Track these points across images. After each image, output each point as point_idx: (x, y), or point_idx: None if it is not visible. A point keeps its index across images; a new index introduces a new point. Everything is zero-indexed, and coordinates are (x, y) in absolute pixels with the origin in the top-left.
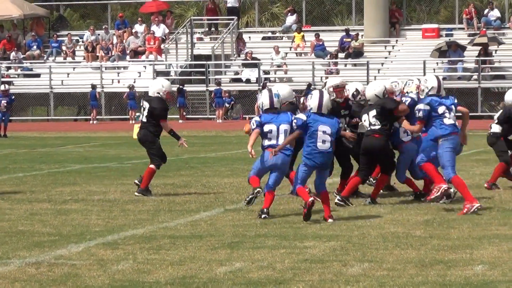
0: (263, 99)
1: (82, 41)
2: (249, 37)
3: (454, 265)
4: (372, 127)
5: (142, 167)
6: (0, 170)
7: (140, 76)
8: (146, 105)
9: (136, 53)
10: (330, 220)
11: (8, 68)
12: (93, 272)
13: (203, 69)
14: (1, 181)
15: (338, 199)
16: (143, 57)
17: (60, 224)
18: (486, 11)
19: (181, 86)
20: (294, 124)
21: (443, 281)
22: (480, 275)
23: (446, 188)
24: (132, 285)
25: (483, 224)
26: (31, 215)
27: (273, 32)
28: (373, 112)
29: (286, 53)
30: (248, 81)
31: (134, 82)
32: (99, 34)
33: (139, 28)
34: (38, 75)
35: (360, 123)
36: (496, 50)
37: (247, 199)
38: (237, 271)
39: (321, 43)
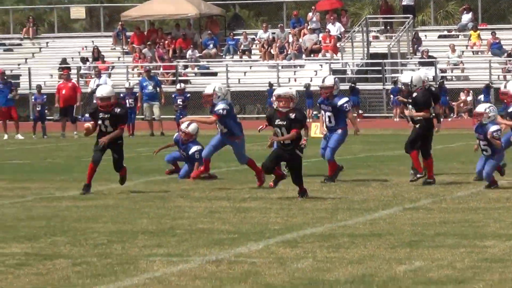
0: None
1: (257, 40)
2: (425, 35)
3: None
4: None
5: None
6: None
7: (316, 74)
8: None
9: (311, 52)
10: None
11: (185, 67)
12: (273, 270)
13: (379, 68)
14: (183, 181)
15: None
16: (319, 56)
17: (239, 222)
18: None
19: (353, 85)
20: None
21: None
22: None
23: None
24: (311, 283)
25: None
26: (211, 213)
27: (449, 31)
28: None
29: (463, 52)
30: None
31: (311, 80)
32: (274, 33)
33: (314, 24)
34: (215, 74)
35: None
36: None
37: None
38: (417, 270)
39: (497, 41)
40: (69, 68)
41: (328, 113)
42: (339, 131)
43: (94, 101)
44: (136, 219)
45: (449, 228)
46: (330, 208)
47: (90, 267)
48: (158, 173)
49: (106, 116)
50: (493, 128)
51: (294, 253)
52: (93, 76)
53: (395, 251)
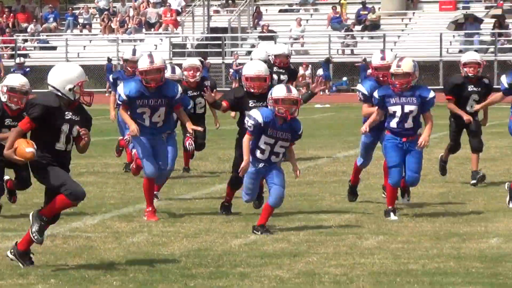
0: None
1: (99, 12)
2: (266, 10)
3: (469, 238)
4: None
5: None
6: None
7: (156, 48)
8: None
9: (151, 25)
10: None
11: (25, 40)
12: (108, 245)
13: (220, 42)
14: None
15: None
16: (160, 30)
17: None
18: None
19: (202, 59)
20: None
21: (458, 254)
22: (495, 247)
23: None
24: (147, 257)
25: (499, 197)
26: None
27: (290, 5)
28: None
29: (304, 26)
30: None
31: None
32: (115, 7)
33: None
34: (54, 48)
35: None
36: None
37: None
38: (252, 243)
39: (337, 15)
40: None
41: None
42: None
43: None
44: None
45: (285, 202)
46: (167, 182)
47: None
48: None
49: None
50: None
51: (129, 227)
52: None
53: (230, 225)
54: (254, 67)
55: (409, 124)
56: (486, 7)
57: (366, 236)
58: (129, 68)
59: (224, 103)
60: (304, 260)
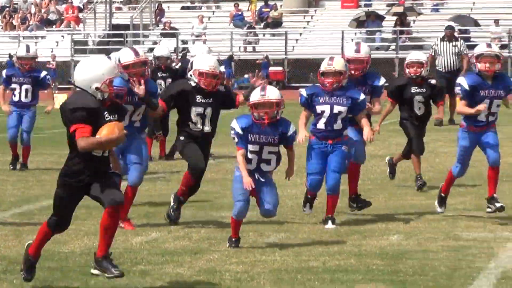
0: None
1: (0, 9)
2: (168, 7)
3: (370, 235)
4: None
5: (53, 137)
6: None
7: (58, 45)
8: None
9: (51, 22)
10: None
11: None
12: (8, 243)
13: (122, 39)
14: None
15: None
16: (62, 27)
17: None
18: None
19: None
20: None
21: (359, 251)
22: (396, 244)
23: None
24: (47, 255)
25: (399, 195)
26: None
27: (192, 2)
28: None
29: (206, 23)
30: None
31: (52, 51)
32: (16, 4)
33: None
34: None
35: None
36: (414, 20)
37: None
38: (153, 241)
39: (240, 13)
40: None
41: None
42: None
43: None
44: None
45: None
46: None
47: None
48: None
49: None
50: None
51: (30, 225)
52: None
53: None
54: (207, 62)
55: (338, 125)
56: (388, 5)
57: (267, 233)
58: (24, 66)
59: (161, 104)
60: (205, 258)
